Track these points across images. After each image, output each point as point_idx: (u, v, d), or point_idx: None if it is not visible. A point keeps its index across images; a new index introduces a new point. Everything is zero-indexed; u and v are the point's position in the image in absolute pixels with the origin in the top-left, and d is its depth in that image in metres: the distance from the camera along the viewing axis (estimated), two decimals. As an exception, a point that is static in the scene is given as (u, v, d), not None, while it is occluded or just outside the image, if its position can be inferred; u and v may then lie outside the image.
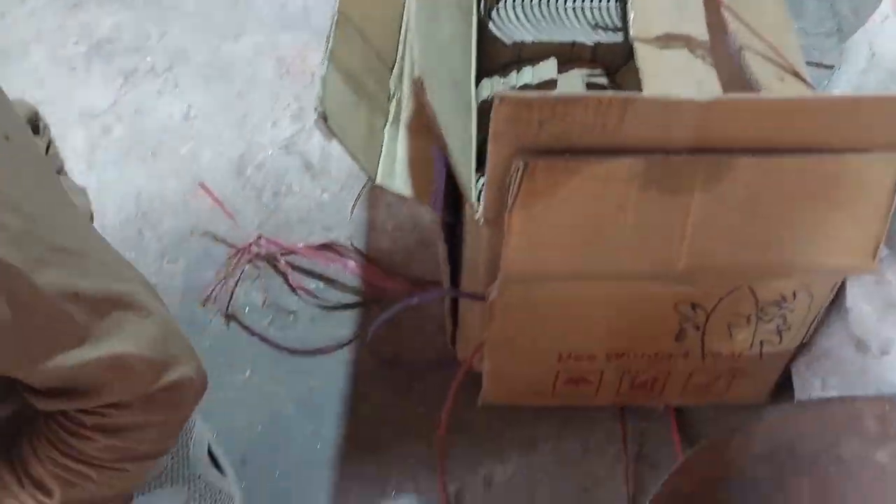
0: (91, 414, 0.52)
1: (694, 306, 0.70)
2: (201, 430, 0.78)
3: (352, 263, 0.92)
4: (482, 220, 0.64)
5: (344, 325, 0.89)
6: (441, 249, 0.74)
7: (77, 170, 0.98)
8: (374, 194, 0.98)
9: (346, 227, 0.95)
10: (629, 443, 0.83)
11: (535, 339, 0.74)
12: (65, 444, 0.53)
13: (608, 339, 0.74)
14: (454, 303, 0.83)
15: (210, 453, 0.78)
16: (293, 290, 0.91)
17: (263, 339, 0.88)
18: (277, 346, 0.88)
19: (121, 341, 0.50)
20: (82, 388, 0.51)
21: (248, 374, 0.86)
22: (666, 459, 0.82)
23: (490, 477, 0.81)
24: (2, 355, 0.46)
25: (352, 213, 0.96)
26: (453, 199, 0.72)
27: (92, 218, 0.71)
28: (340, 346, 0.88)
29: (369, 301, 0.90)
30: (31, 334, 0.46)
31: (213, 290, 0.90)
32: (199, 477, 0.75)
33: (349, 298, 0.91)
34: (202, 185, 0.94)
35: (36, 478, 0.53)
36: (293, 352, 0.87)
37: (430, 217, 0.74)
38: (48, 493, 0.53)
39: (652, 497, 0.67)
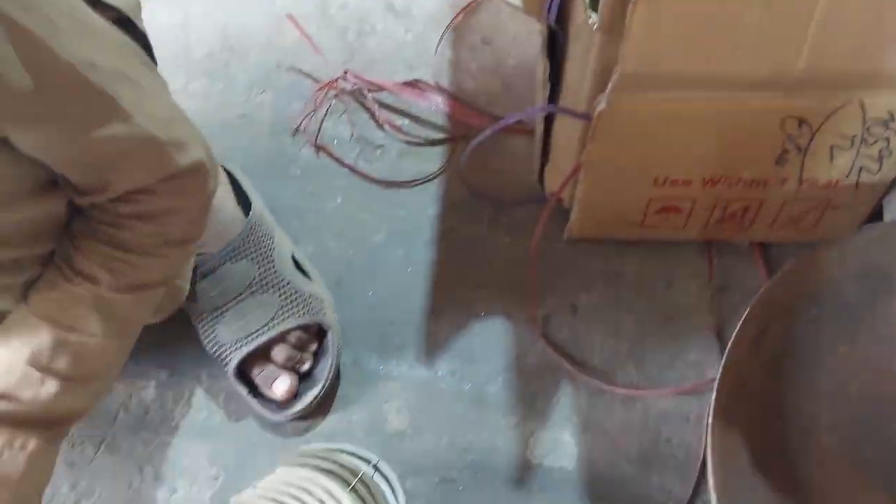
0: (125, 202, 0.55)
1: (801, 123, 0.70)
2: (281, 240, 0.81)
3: (438, 100, 0.92)
4: (596, 24, 0.64)
5: (431, 160, 0.90)
6: (542, 65, 0.74)
7: (162, 2, 0.98)
8: (457, 36, 0.97)
9: (430, 66, 0.95)
10: (714, 277, 0.84)
11: (633, 160, 0.75)
12: (106, 236, 0.56)
13: (708, 162, 0.74)
14: (546, 133, 0.83)
15: (295, 262, 0.81)
16: (380, 125, 0.92)
17: (353, 170, 0.89)
18: (366, 177, 0.89)
19: (139, 118, 0.52)
20: (108, 174, 0.53)
21: (339, 201, 0.88)
22: (750, 294, 0.84)
23: (576, 304, 0.83)
24: (29, 130, 0.47)
25: (435, 52, 0.95)
26: (558, 12, 0.72)
27: (139, 7, 0.68)
28: (428, 179, 0.89)
29: (456, 138, 0.91)
30: (55, 105, 0.47)
31: (301, 121, 0.91)
32: (288, 283, 0.78)
33: (436, 135, 0.91)
34: (290, 17, 0.93)
35: (84, 271, 0.56)
36: (382, 183, 0.89)
37: (538, 28, 0.73)
38: (95, 280, 0.56)
39: (751, 306, 0.69)
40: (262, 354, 0.75)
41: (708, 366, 0.80)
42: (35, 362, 0.55)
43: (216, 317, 0.75)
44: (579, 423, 0.77)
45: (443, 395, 0.78)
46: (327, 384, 0.75)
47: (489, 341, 0.81)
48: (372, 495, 0.63)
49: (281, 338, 0.74)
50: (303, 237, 0.85)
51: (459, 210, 0.88)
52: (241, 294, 0.76)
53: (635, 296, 0.84)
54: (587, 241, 0.86)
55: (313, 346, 0.76)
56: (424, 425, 0.76)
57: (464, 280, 0.84)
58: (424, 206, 0.88)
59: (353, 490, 0.61)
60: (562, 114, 0.74)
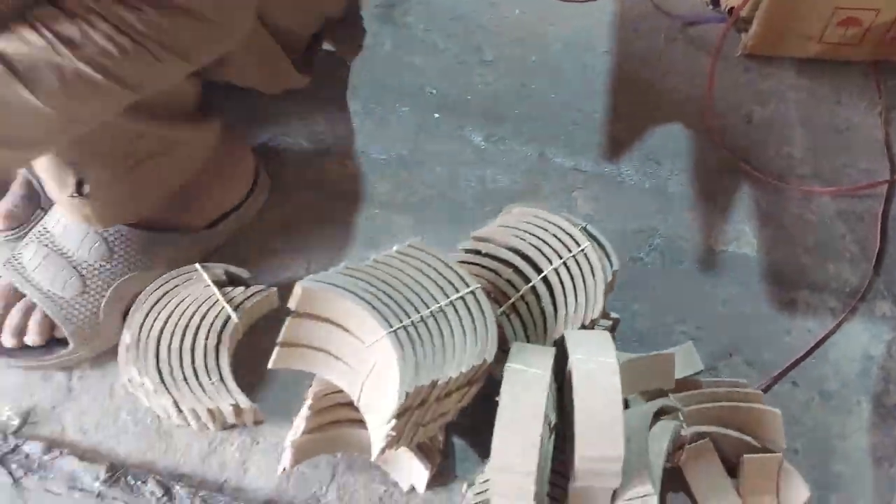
0: None
1: None
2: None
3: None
4: None
5: (603, -21, 0.94)
6: None
7: None
8: None
9: None
10: (882, 96, 0.87)
11: (832, -39, 0.77)
12: (109, 12, 0.51)
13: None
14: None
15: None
16: (554, -56, 0.94)
17: (530, -15, 0.92)
18: (544, -9, 0.92)
19: None
20: None
21: (517, 12, 0.91)
22: (917, 113, 0.87)
23: (749, 115, 0.86)
24: None
25: None
26: None
27: None
28: (603, -5, 0.92)
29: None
30: None
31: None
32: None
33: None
34: None
35: (56, 29, 0.50)
36: (558, -3, 0.92)
37: None
38: (75, 46, 0.50)
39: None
40: None
41: (879, 174, 0.83)
42: None
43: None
44: (758, 218, 0.80)
45: (627, 189, 0.82)
46: None
47: (668, 145, 0.84)
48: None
49: None
50: (485, 44, 0.89)
51: (635, 26, 0.91)
52: None
53: (806, 109, 0.87)
54: (759, 60, 0.89)
55: None
56: (611, 212, 0.80)
57: (642, 90, 0.87)
58: (600, 20, 0.91)
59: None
60: None
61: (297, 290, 0.55)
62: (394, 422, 0.53)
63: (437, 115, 0.85)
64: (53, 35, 0.50)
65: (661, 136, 0.85)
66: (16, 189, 0.73)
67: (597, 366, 0.56)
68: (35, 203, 0.73)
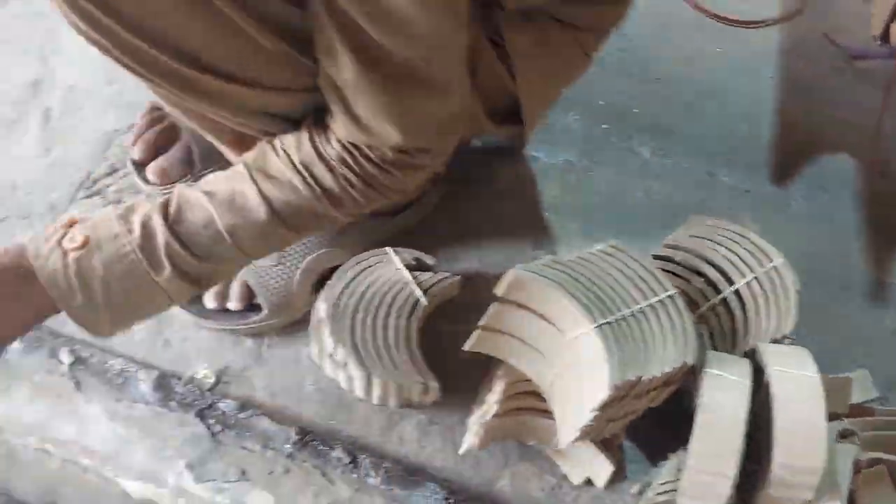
0: (404, 153, 0.57)
1: None
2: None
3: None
4: None
5: (768, 5, 0.95)
6: None
7: None
8: None
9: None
10: None
11: None
12: (364, 171, 0.57)
13: None
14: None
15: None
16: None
17: (698, 8, 0.93)
18: (712, 15, 0.93)
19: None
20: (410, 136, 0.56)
21: (683, 34, 0.93)
22: None
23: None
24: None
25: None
26: None
27: None
28: (773, 22, 0.93)
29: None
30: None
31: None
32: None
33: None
34: None
35: (322, 184, 0.57)
36: (728, 21, 0.93)
37: None
38: (339, 203, 0.58)
39: None
40: None
41: None
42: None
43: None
44: (930, 252, 0.80)
45: (793, 214, 0.82)
46: None
47: (835, 174, 0.85)
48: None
49: None
50: (653, 62, 0.91)
51: (801, 53, 0.92)
52: None
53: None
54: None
55: None
56: (777, 235, 0.78)
57: (807, 118, 0.88)
58: (766, 47, 0.93)
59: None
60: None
61: (509, 277, 0.57)
62: (596, 413, 0.55)
63: (605, 126, 0.87)
64: (318, 187, 0.57)
65: (827, 165, 0.85)
66: (175, 151, 0.78)
67: (799, 378, 0.56)
68: (187, 167, 0.77)
